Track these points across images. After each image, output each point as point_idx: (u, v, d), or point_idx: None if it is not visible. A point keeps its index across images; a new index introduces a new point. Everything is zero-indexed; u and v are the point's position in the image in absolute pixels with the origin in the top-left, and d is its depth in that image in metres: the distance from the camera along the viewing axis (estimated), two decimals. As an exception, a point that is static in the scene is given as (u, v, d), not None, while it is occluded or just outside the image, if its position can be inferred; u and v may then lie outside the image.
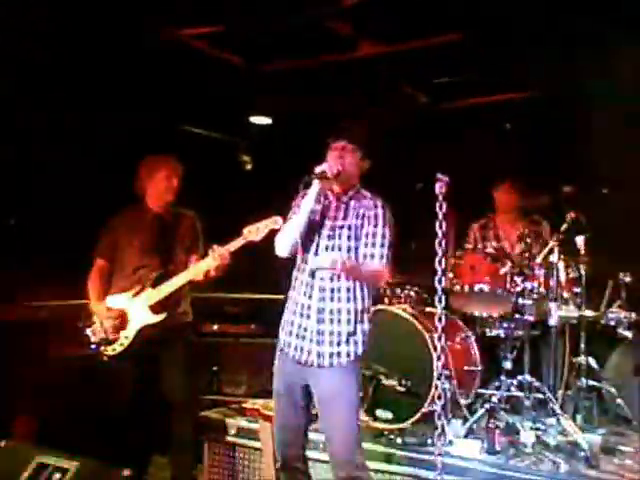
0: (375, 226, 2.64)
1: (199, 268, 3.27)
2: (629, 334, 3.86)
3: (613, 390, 3.90)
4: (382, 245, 2.63)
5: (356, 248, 2.64)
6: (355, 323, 2.64)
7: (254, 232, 3.09)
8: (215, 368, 4.59)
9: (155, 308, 3.31)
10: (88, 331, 3.35)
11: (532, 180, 4.48)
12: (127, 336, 3.31)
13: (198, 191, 4.99)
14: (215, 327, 4.73)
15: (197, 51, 4.49)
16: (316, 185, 2.61)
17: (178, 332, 3.43)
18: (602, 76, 4.44)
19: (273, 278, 3.75)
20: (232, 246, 3.20)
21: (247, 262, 4.63)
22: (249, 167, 5.64)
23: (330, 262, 2.48)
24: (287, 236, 2.69)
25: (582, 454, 3.30)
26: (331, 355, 2.62)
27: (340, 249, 2.62)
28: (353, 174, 2.70)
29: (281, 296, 4.01)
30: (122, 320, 3.31)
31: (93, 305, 3.39)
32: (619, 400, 3.87)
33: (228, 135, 5.73)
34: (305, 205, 2.63)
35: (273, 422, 3.52)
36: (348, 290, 2.63)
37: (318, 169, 2.62)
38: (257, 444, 3.58)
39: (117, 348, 3.32)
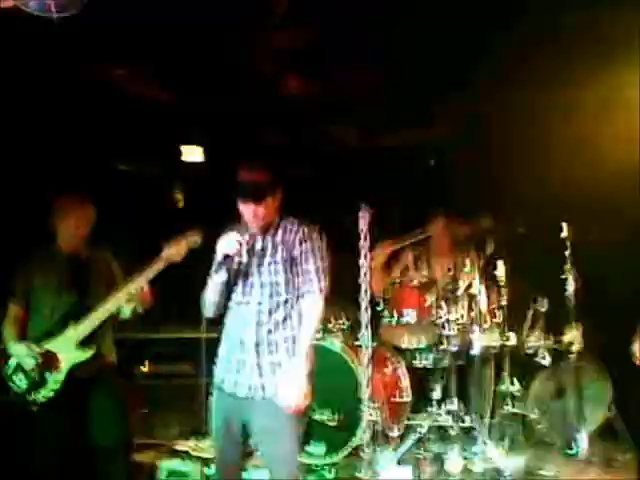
0: (301, 245, 2.65)
1: (119, 298, 3.16)
2: (547, 360, 4.04)
3: (536, 416, 4.06)
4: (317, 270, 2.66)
5: (291, 279, 2.64)
6: (293, 351, 2.64)
7: (174, 252, 3.02)
8: (145, 410, 4.49)
9: (83, 344, 3.17)
10: (14, 377, 3.16)
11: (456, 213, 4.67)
12: (57, 379, 3.13)
13: (129, 228, 4.96)
14: (145, 368, 4.64)
15: (123, 89, 4.50)
16: (223, 276, 2.62)
17: (106, 372, 3.31)
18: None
19: (202, 315, 3.74)
20: (150, 272, 3.12)
21: (175, 300, 4.61)
22: (181, 205, 5.64)
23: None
24: (209, 301, 2.72)
25: (505, 480, 3.42)
26: (275, 385, 2.59)
27: (278, 284, 2.64)
28: (274, 216, 2.72)
29: (213, 334, 3.99)
30: (50, 361, 3.13)
31: (10, 347, 3.20)
32: (541, 425, 4.03)
33: (160, 172, 5.72)
34: (215, 281, 2.65)
35: (202, 462, 3.51)
36: (284, 320, 2.65)
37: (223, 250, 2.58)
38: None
39: (48, 394, 3.13)
